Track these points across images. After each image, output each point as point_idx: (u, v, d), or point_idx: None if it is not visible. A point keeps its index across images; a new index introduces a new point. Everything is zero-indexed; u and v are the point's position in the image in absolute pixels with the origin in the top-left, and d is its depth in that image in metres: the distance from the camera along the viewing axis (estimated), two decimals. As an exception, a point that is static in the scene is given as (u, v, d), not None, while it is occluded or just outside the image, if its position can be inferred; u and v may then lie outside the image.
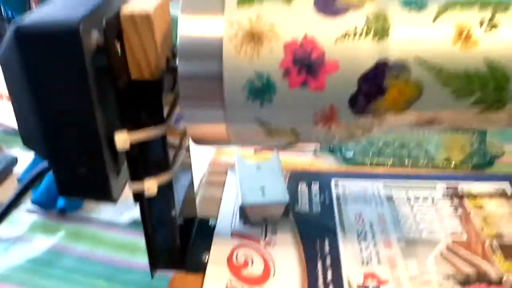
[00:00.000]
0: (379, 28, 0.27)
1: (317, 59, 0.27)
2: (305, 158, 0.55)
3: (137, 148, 0.31)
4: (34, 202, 0.50)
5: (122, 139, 0.30)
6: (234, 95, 0.28)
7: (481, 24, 0.28)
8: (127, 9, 0.29)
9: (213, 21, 0.28)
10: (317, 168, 0.52)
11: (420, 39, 0.28)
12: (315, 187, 0.47)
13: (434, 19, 0.28)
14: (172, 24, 0.33)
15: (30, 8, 0.78)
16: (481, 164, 0.53)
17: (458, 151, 0.54)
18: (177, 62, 0.28)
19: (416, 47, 0.28)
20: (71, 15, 0.27)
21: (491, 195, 0.46)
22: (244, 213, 0.41)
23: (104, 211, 0.50)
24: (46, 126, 0.30)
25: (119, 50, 0.30)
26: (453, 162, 0.53)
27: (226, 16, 0.28)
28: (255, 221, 0.42)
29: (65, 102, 0.29)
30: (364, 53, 0.27)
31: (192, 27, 0.28)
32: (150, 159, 0.32)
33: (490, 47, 0.27)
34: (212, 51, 0.28)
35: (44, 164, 0.35)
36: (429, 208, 0.44)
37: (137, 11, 0.29)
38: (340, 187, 0.47)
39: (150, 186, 0.32)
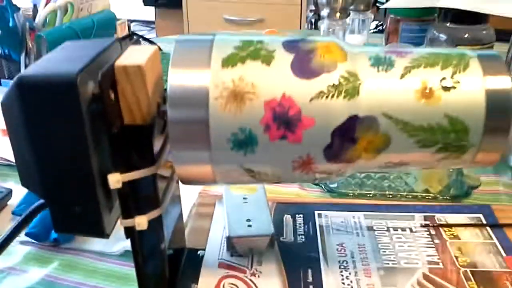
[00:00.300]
0: (350, 88, 0.31)
1: (294, 116, 0.30)
2: (291, 189, 0.57)
3: (128, 187, 0.33)
4: (28, 234, 0.52)
5: (115, 180, 0.32)
6: (219, 146, 0.31)
7: (443, 82, 0.31)
8: (120, 61, 0.31)
9: (200, 73, 0.31)
10: (302, 199, 0.54)
11: (387, 96, 0.31)
12: (300, 218, 0.49)
13: (400, 79, 0.31)
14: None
15: (26, 46, 0.81)
16: (459, 195, 0.56)
17: (436, 183, 0.57)
18: (167, 108, 0.30)
19: (384, 104, 0.31)
20: (69, 69, 0.30)
21: (466, 225, 0.48)
22: (231, 244, 0.44)
23: (96, 242, 0.51)
24: (43, 168, 0.32)
25: (113, 98, 0.32)
26: (432, 193, 0.56)
27: (212, 77, 0.31)
28: (242, 252, 0.44)
29: (62, 146, 0.31)
30: (337, 110, 0.31)
31: (182, 78, 0.31)
32: (141, 197, 0.34)
33: (450, 103, 0.31)
34: (199, 100, 0.30)
35: (41, 200, 0.37)
36: (407, 238, 0.47)
37: (130, 63, 0.31)
38: (324, 218, 0.49)
39: (141, 222, 0.34)
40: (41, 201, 0.37)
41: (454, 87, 0.31)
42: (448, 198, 0.56)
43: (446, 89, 0.31)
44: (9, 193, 0.59)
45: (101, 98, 0.31)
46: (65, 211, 0.34)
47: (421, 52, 0.33)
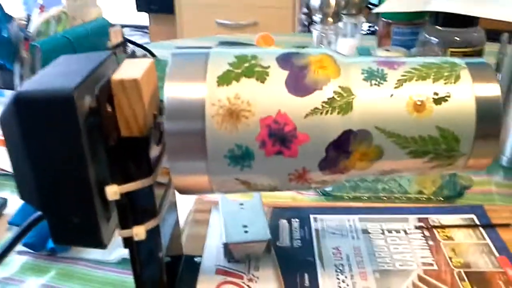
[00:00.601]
0: (344, 103, 0.32)
1: (289, 133, 0.31)
2: (287, 193, 0.58)
3: (126, 198, 0.34)
4: (25, 244, 0.52)
5: (113, 192, 0.33)
6: (216, 161, 0.32)
7: (434, 95, 0.32)
8: (117, 75, 0.32)
9: (196, 86, 0.32)
10: (297, 203, 0.55)
11: (380, 110, 0.32)
12: (296, 222, 0.50)
13: (392, 94, 0.32)
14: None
15: (20, 55, 0.81)
16: (452, 196, 0.57)
17: (430, 184, 0.58)
18: (164, 120, 0.31)
19: (377, 117, 0.32)
20: (66, 84, 0.30)
21: (459, 226, 0.49)
22: (228, 250, 0.44)
23: (93, 250, 0.52)
24: (41, 181, 0.33)
25: (110, 111, 0.33)
26: (426, 195, 0.57)
27: (208, 95, 0.31)
28: (239, 257, 0.45)
29: (60, 160, 0.32)
30: (331, 125, 0.32)
31: (178, 91, 0.31)
32: (138, 207, 0.35)
33: (442, 115, 0.32)
34: (195, 112, 0.31)
35: (37, 213, 0.38)
36: (402, 240, 0.47)
37: (126, 76, 0.32)
38: (319, 222, 0.50)
39: (139, 232, 0.34)
40: (39, 212, 0.38)
41: (446, 100, 0.32)
42: (441, 199, 0.56)
43: (438, 102, 0.32)
44: (4, 202, 0.59)
45: (98, 111, 0.32)
46: (63, 223, 0.34)
47: (413, 63, 0.34)
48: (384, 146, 0.32)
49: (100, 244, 0.35)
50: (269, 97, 0.31)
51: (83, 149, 0.31)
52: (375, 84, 0.32)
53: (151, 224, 0.35)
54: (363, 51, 0.84)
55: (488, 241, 0.47)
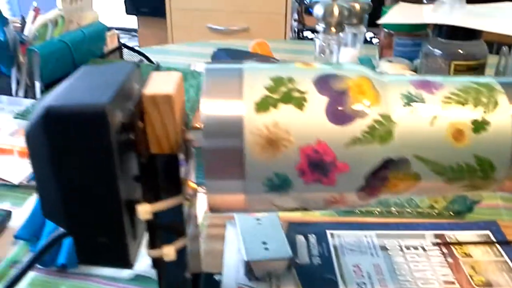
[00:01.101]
0: (384, 132, 0.31)
1: (329, 162, 0.31)
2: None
3: (156, 218, 0.33)
4: (33, 259, 0.50)
5: (145, 210, 0.31)
6: (254, 188, 0.31)
7: (473, 124, 0.31)
8: (148, 90, 0.31)
9: (233, 103, 0.30)
10: (311, 218, 0.54)
11: (420, 138, 0.32)
12: (313, 238, 0.49)
13: (432, 121, 0.32)
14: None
15: (17, 61, 0.79)
16: (462, 210, 0.57)
17: (441, 199, 0.57)
18: (203, 138, 0.30)
19: (416, 146, 0.32)
20: (98, 99, 0.29)
21: (476, 243, 0.49)
22: (249, 268, 0.43)
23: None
24: (68, 199, 0.31)
25: (141, 128, 0.31)
26: (437, 209, 0.57)
27: (246, 123, 0.30)
28: (260, 275, 0.43)
29: (89, 177, 0.30)
30: (371, 154, 0.31)
31: (215, 108, 0.30)
32: (168, 226, 0.34)
33: (480, 143, 0.32)
34: (233, 130, 0.30)
35: (60, 230, 0.36)
36: (421, 257, 0.47)
37: (159, 92, 0.31)
38: (336, 238, 0.49)
39: (168, 252, 0.33)
40: (61, 230, 0.36)
41: (484, 128, 0.32)
42: (452, 213, 0.56)
43: (476, 130, 0.32)
44: (9, 215, 0.57)
45: (131, 127, 0.30)
46: (90, 242, 0.33)
47: (450, 85, 0.33)
48: (421, 173, 0.32)
49: (127, 264, 0.33)
50: (308, 125, 0.31)
51: (114, 167, 0.30)
52: (415, 111, 0.32)
53: (179, 243, 0.34)
54: (365, 61, 0.84)
55: (506, 258, 0.47)
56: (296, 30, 2.08)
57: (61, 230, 0.37)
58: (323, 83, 0.32)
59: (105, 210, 0.31)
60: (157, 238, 0.34)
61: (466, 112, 0.32)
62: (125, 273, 0.49)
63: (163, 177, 0.32)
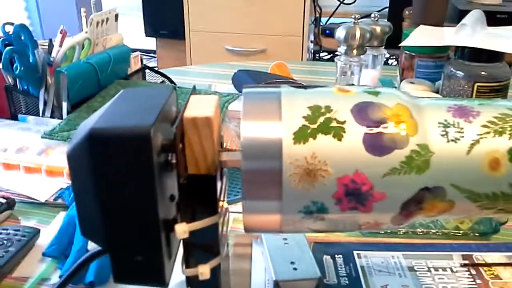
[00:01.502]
0: (421, 162, 0.31)
1: (366, 192, 0.31)
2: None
3: (192, 237, 0.33)
4: (62, 277, 0.51)
5: (182, 230, 0.32)
6: (291, 214, 0.32)
7: (509, 153, 0.32)
8: (189, 113, 0.32)
9: (272, 125, 0.31)
10: (337, 238, 0.54)
11: (456, 168, 0.32)
12: (340, 259, 0.49)
13: (469, 151, 0.32)
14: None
15: (46, 82, 0.81)
16: (488, 231, 0.57)
17: (466, 220, 0.57)
18: (242, 159, 0.31)
19: (453, 175, 0.32)
20: (142, 122, 0.30)
21: (505, 264, 0.49)
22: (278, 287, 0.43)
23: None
24: (108, 218, 0.32)
25: (180, 149, 0.32)
26: (462, 230, 0.56)
27: (285, 153, 0.31)
28: (288, 295, 0.44)
29: (130, 198, 0.31)
30: (408, 184, 0.32)
31: (254, 130, 0.31)
32: (203, 246, 0.34)
33: None
34: (271, 151, 0.31)
35: (96, 249, 0.37)
36: (449, 279, 0.47)
37: (199, 114, 0.32)
38: (363, 259, 0.50)
39: (204, 271, 0.34)
40: (97, 248, 0.37)
41: None
42: (477, 234, 0.56)
43: None
44: (37, 233, 0.58)
45: (171, 149, 0.31)
46: (127, 261, 0.33)
47: (488, 112, 0.33)
48: (456, 200, 0.33)
49: (163, 283, 0.34)
50: (346, 156, 0.31)
51: (155, 187, 0.31)
52: (452, 141, 0.32)
53: (214, 262, 0.35)
54: (386, 83, 0.85)
55: (536, 280, 0.47)
56: (312, 51, 2.10)
57: (90, 248, 0.38)
58: (361, 112, 0.32)
59: (144, 229, 0.32)
60: (193, 257, 0.34)
61: (503, 141, 0.32)
62: (153, 291, 0.50)
63: (200, 197, 0.33)
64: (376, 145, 0.31)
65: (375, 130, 0.31)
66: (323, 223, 0.33)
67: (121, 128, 0.30)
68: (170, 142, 0.32)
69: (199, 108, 0.33)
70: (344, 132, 0.31)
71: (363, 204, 0.31)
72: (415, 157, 0.31)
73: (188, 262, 0.34)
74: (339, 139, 0.31)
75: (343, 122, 0.32)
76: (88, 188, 0.32)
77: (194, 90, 0.37)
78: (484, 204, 0.32)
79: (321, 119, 0.31)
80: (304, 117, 0.32)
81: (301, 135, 0.31)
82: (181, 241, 0.34)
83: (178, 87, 0.97)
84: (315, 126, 0.31)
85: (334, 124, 0.31)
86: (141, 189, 0.31)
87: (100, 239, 0.34)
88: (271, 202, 0.31)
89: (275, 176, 0.31)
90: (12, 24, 0.82)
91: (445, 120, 0.33)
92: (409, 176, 0.31)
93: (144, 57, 2.71)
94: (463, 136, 0.32)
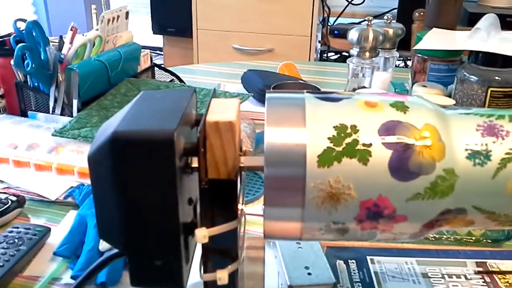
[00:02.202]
0: (446, 187, 0.31)
1: (388, 215, 0.31)
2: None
3: (211, 242, 0.33)
4: (73, 277, 0.51)
5: (202, 235, 0.32)
6: (312, 231, 0.32)
7: None
8: (211, 117, 0.32)
9: (296, 131, 0.31)
10: (350, 243, 0.54)
11: (480, 191, 0.32)
12: (353, 264, 0.49)
13: (494, 175, 0.32)
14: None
15: (57, 79, 0.81)
16: (500, 238, 0.56)
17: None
18: (264, 166, 0.31)
19: (476, 198, 0.32)
20: (165, 125, 0.30)
21: (520, 273, 0.48)
22: (292, 293, 0.43)
23: None
24: (129, 221, 0.32)
25: (202, 153, 0.32)
26: (475, 236, 0.56)
27: (308, 176, 0.31)
28: (303, 300, 0.43)
29: (151, 201, 0.31)
30: (431, 208, 0.32)
31: (278, 137, 0.31)
32: (222, 251, 0.34)
33: None
34: (295, 158, 0.30)
35: (113, 251, 0.37)
36: (464, 286, 0.46)
37: (221, 119, 0.31)
38: (377, 264, 0.49)
39: (222, 276, 0.34)
40: (115, 251, 0.37)
41: None
42: (489, 241, 0.56)
43: None
44: (48, 231, 0.58)
45: (193, 153, 0.31)
46: (146, 264, 0.33)
47: None
48: (476, 219, 0.33)
49: (180, 286, 0.34)
50: (371, 181, 0.31)
51: (176, 191, 0.31)
52: (479, 164, 0.32)
53: (233, 267, 0.34)
54: (398, 86, 0.84)
55: (551, 289, 0.46)
56: (319, 51, 2.10)
57: (101, 248, 0.37)
58: (388, 134, 0.31)
59: (164, 233, 0.32)
60: (211, 262, 0.34)
61: None
62: (165, 293, 0.50)
63: (220, 201, 0.33)
64: (402, 170, 0.31)
65: (402, 155, 0.30)
66: (343, 238, 0.33)
67: (144, 131, 0.30)
68: (192, 146, 0.32)
69: (221, 112, 0.32)
70: (370, 156, 0.30)
71: (384, 225, 0.32)
72: (440, 183, 0.31)
73: (206, 267, 0.34)
74: (365, 164, 0.30)
75: (369, 145, 0.31)
76: (109, 191, 0.32)
77: (214, 94, 0.37)
78: (502, 221, 0.32)
79: (347, 140, 0.31)
80: (329, 138, 0.31)
81: (325, 159, 0.30)
82: (197, 245, 0.34)
83: (186, 86, 0.97)
84: (340, 149, 0.30)
85: (360, 147, 0.31)
86: (162, 193, 0.31)
87: (119, 242, 0.33)
88: (293, 209, 0.31)
89: (298, 183, 0.30)
90: (24, 20, 0.82)
91: (474, 141, 0.32)
92: (433, 201, 0.31)
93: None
94: (490, 160, 0.32)
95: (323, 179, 0.30)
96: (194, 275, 0.37)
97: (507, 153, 0.32)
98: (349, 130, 0.31)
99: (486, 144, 0.32)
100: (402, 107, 0.32)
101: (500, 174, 0.32)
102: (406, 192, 0.31)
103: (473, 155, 0.32)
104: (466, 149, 0.32)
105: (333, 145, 0.30)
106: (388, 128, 0.31)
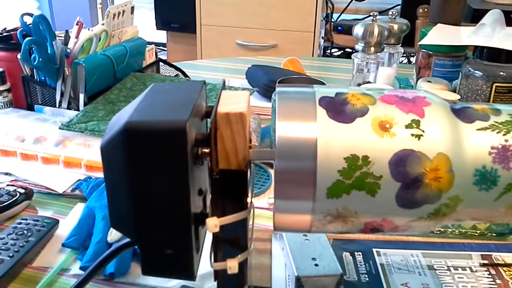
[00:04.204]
0: (449, 211, 0.32)
1: (391, 229, 0.34)
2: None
3: (221, 232, 0.34)
4: (82, 268, 0.51)
5: (213, 224, 0.32)
6: (322, 210, 0.33)
7: None
8: (222, 108, 0.32)
9: (307, 125, 0.31)
10: (355, 235, 0.54)
11: (481, 212, 0.33)
12: (359, 256, 0.50)
13: (497, 198, 0.32)
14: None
15: (63, 75, 0.81)
16: (504, 232, 0.57)
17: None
18: (275, 159, 0.31)
19: (476, 216, 0.34)
20: (178, 116, 0.30)
21: (525, 266, 0.49)
22: (300, 284, 0.44)
23: (151, 277, 0.51)
24: (140, 211, 0.32)
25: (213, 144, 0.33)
26: (480, 230, 0.57)
27: (316, 206, 0.32)
28: (310, 291, 0.44)
29: (163, 191, 0.32)
30: (431, 226, 0.33)
31: (289, 130, 0.31)
32: (232, 240, 0.35)
33: None
34: (307, 152, 0.31)
35: (124, 241, 0.37)
36: (469, 278, 0.47)
37: (232, 110, 0.32)
38: (383, 256, 0.50)
39: (232, 265, 0.34)
40: (126, 241, 0.37)
41: None
42: (494, 234, 0.56)
43: None
44: (56, 223, 0.59)
45: (205, 144, 0.32)
46: (157, 254, 0.34)
47: None
48: (469, 223, 0.34)
49: (191, 275, 0.34)
50: (377, 209, 0.32)
51: (188, 181, 0.31)
52: (484, 189, 0.32)
53: (243, 257, 0.35)
54: (402, 81, 0.85)
55: (556, 282, 0.47)
56: (323, 47, 2.10)
57: (109, 239, 0.38)
58: (399, 165, 0.31)
59: (176, 223, 0.32)
60: (221, 251, 0.35)
61: None
62: (171, 283, 0.50)
63: (231, 192, 0.33)
64: (408, 201, 0.31)
65: (410, 187, 0.31)
66: (348, 231, 0.34)
67: (157, 122, 0.30)
68: (203, 137, 0.33)
69: (231, 104, 0.33)
70: (379, 188, 0.31)
71: (384, 233, 0.34)
72: (443, 209, 0.32)
73: (216, 256, 0.35)
74: (373, 195, 0.31)
75: (379, 178, 0.31)
76: (121, 181, 0.32)
77: (224, 86, 0.38)
78: (497, 223, 0.34)
79: (357, 174, 0.31)
80: (339, 171, 0.31)
81: (334, 191, 0.31)
82: (206, 235, 0.34)
83: (192, 81, 0.98)
84: (350, 181, 0.31)
85: (370, 179, 0.31)
86: (174, 183, 0.31)
87: (130, 232, 0.34)
88: (303, 202, 0.32)
89: (309, 176, 0.31)
90: (31, 15, 0.82)
91: (483, 167, 0.32)
92: (435, 220, 0.33)
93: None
94: (496, 186, 0.32)
95: (331, 207, 0.32)
96: (204, 265, 0.37)
97: None
98: (360, 162, 0.31)
99: (496, 170, 0.32)
100: (417, 130, 0.32)
101: (503, 197, 0.32)
102: (410, 217, 0.32)
103: (481, 181, 0.32)
104: (475, 175, 0.32)
105: (343, 178, 0.31)
106: (400, 159, 0.31)
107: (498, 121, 0.33)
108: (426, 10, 1.23)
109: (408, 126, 0.32)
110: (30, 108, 0.86)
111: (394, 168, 0.31)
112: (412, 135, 0.31)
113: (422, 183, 0.31)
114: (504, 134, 0.32)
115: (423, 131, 0.31)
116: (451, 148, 0.31)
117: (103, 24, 0.90)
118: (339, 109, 0.32)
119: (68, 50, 0.85)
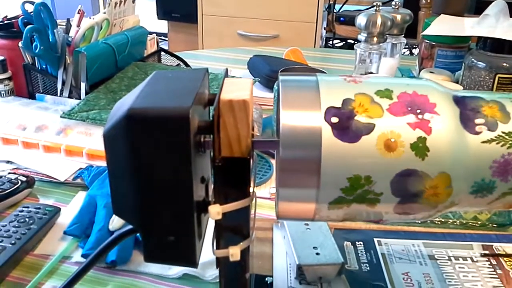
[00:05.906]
0: (442, 215, 0.34)
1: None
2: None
3: (224, 219, 0.34)
4: (84, 256, 0.52)
5: (216, 211, 0.32)
6: (326, 199, 0.33)
7: None
8: (225, 95, 0.32)
9: (311, 114, 0.31)
10: (357, 225, 0.55)
11: (471, 209, 0.35)
12: (360, 245, 0.50)
13: (490, 203, 0.33)
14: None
15: (65, 63, 0.81)
16: (506, 223, 0.57)
17: (485, 211, 0.57)
18: (280, 147, 0.31)
19: (468, 209, 0.35)
20: (181, 103, 0.30)
21: (525, 256, 0.49)
22: (301, 272, 0.44)
23: (153, 265, 0.51)
24: (143, 198, 0.32)
25: (216, 131, 0.32)
26: (481, 220, 0.57)
27: (317, 217, 0.33)
28: (311, 279, 0.44)
29: (166, 178, 0.31)
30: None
31: (294, 119, 0.31)
32: (235, 228, 0.35)
33: None
34: (311, 140, 0.31)
35: (126, 227, 0.37)
36: (470, 268, 0.47)
37: (235, 97, 0.32)
38: (384, 246, 0.50)
39: (234, 253, 0.34)
40: (128, 228, 0.37)
41: None
42: (495, 225, 0.56)
43: None
44: (58, 211, 0.59)
45: (208, 131, 0.32)
46: (159, 241, 0.34)
47: None
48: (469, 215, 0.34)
49: (193, 262, 0.34)
50: (376, 216, 0.34)
51: (191, 168, 0.31)
52: (479, 197, 0.33)
53: (245, 244, 0.35)
54: (405, 72, 0.84)
55: (557, 272, 0.47)
56: (325, 38, 2.09)
57: (111, 227, 0.38)
58: (400, 184, 0.31)
59: (178, 209, 0.32)
60: (223, 239, 0.35)
61: None
62: (172, 271, 0.50)
63: (234, 179, 0.33)
64: (405, 211, 0.33)
65: (408, 201, 0.32)
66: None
67: (160, 108, 0.30)
68: (205, 124, 0.33)
69: (234, 91, 0.33)
70: (379, 202, 0.32)
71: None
72: (438, 215, 0.33)
73: (218, 243, 0.35)
74: (372, 207, 0.32)
75: (380, 194, 0.32)
76: (124, 168, 0.32)
77: (227, 74, 0.37)
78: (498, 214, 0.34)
79: (359, 191, 0.31)
80: (341, 189, 0.32)
81: (336, 205, 0.32)
82: (208, 223, 0.34)
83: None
84: (351, 197, 0.32)
85: (370, 196, 0.32)
86: (177, 170, 0.31)
87: (133, 219, 0.34)
88: (307, 191, 0.32)
89: (313, 164, 0.31)
90: (32, 3, 0.82)
91: (482, 179, 0.32)
92: (430, 214, 0.34)
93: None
94: (491, 194, 0.33)
95: (332, 216, 0.33)
96: (206, 253, 0.38)
97: (510, 189, 0.32)
98: (362, 182, 0.31)
99: (493, 182, 0.32)
100: (422, 149, 0.31)
101: (496, 202, 0.33)
102: (406, 219, 0.34)
103: (477, 191, 0.33)
104: (473, 186, 0.32)
105: (345, 195, 0.32)
106: (402, 178, 0.31)
107: (506, 131, 0.32)
108: (429, 1, 1.23)
109: (413, 146, 0.31)
110: (32, 96, 0.86)
111: (395, 187, 0.31)
112: (417, 154, 0.31)
113: (420, 198, 0.32)
114: (508, 147, 0.32)
115: (428, 151, 0.31)
116: (453, 167, 0.31)
117: (104, 13, 0.90)
118: (344, 125, 0.31)
119: (70, 39, 0.84)
